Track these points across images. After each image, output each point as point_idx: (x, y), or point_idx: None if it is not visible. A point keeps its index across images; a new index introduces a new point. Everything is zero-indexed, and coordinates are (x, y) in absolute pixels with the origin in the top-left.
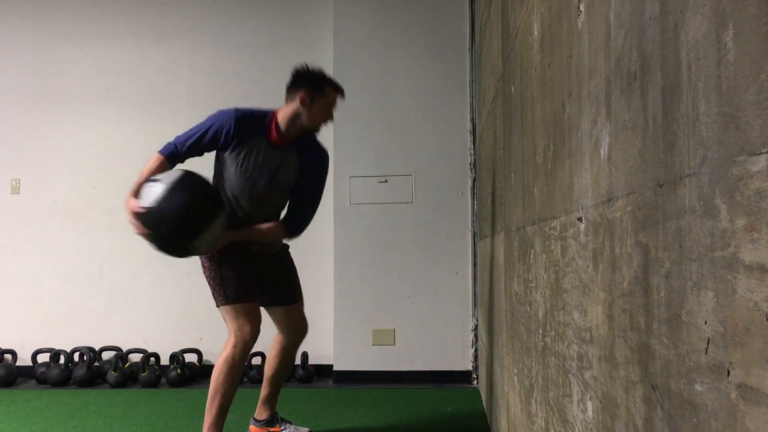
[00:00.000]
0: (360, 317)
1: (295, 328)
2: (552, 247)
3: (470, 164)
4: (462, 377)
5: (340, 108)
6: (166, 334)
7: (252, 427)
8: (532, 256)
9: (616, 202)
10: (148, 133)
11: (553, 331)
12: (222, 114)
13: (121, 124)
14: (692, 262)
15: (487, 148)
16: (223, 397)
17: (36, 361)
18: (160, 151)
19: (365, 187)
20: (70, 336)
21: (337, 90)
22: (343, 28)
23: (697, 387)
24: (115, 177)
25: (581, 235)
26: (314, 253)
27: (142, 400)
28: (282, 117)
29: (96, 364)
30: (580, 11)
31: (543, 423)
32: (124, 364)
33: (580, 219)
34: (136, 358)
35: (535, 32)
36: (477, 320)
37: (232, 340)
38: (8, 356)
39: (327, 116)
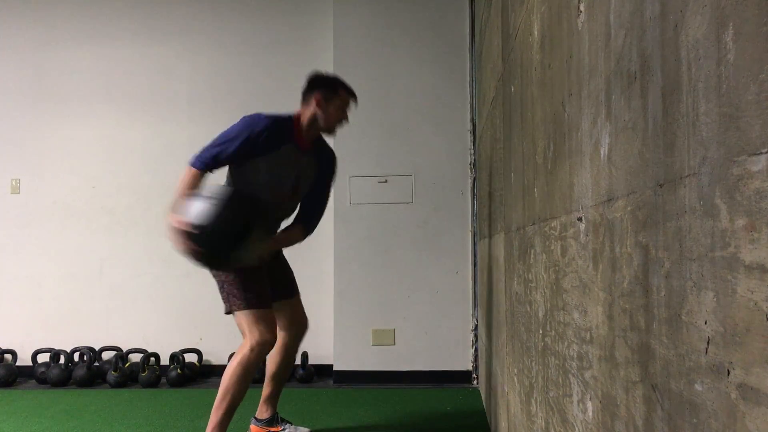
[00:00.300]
0: (360, 317)
1: (297, 323)
2: (552, 247)
3: (470, 164)
4: (462, 377)
5: None
6: (166, 334)
7: (253, 426)
8: (532, 256)
9: (616, 202)
10: (148, 133)
11: (553, 331)
12: (253, 121)
13: (121, 124)
14: (692, 262)
15: (487, 148)
16: (233, 399)
17: (36, 361)
18: (193, 165)
19: (365, 187)
20: (70, 336)
21: (350, 92)
22: (343, 28)
23: (697, 387)
24: (115, 177)
25: (581, 235)
26: (314, 253)
27: (142, 400)
28: (303, 121)
29: (96, 364)
30: (580, 11)
31: (543, 423)
32: (124, 364)
33: (580, 219)
34: (136, 358)
35: (535, 32)
36: (477, 320)
37: (249, 344)
38: (8, 356)
39: (342, 117)
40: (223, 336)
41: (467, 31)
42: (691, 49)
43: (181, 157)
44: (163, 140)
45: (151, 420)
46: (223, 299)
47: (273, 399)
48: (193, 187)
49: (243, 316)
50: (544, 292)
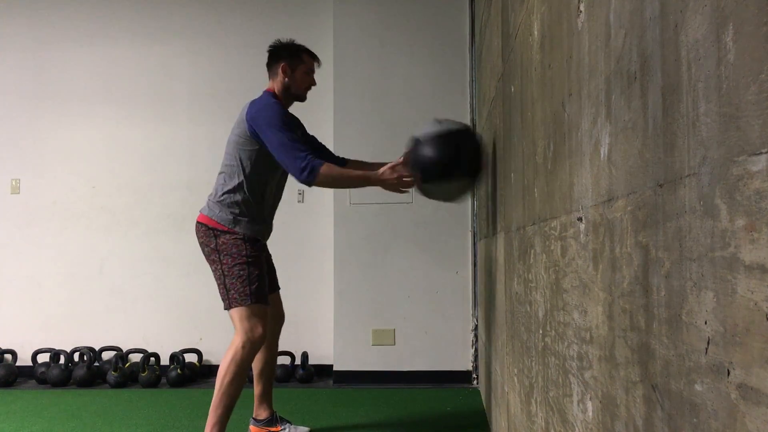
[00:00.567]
0: (360, 317)
1: (278, 315)
2: (552, 247)
3: None
4: (462, 377)
5: (340, 108)
6: (166, 334)
7: (252, 427)
8: (532, 256)
9: (616, 202)
10: (148, 133)
11: (553, 331)
12: (277, 104)
13: (121, 124)
14: (692, 262)
15: (487, 148)
16: (229, 397)
17: (36, 361)
18: (316, 169)
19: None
20: (70, 336)
21: (313, 56)
22: (343, 28)
23: (697, 387)
24: (115, 177)
25: (581, 235)
26: (314, 254)
27: (142, 400)
28: (278, 93)
29: (96, 364)
30: (580, 11)
31: (543, 423)
32: (124, 364)
33: (580, 219)
34: (136, 358)
35: (535, 32)
36: (477, 320)
37: (240, 340)
38: (8, 356)
39: (309, 82)
40: (223, 336)
41: (467, 31)
42: (691, 49)
43: (181, 157)
44: (163, 140)
45: (151, 420)
46: (222, 295)
47: (266, 397)
48: (342, 173)
49: (242, 311)
50: (544, 292)
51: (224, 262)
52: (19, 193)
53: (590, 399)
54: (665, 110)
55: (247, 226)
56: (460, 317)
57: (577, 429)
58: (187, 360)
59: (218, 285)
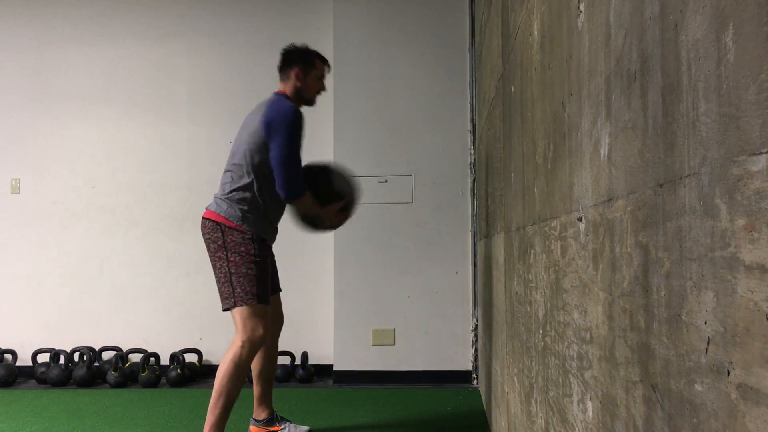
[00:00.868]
0: (360, 317)
1: (278, 317)
2: (552, 247)
3: (470, 164)
4: (462, 377)
5: (340, 108)
6: (166, 334)
7: (252, 427)
8: (532, 256)
9: (616, 202)
10: (148, 133)
11: (553, 331)
12: (296, 115)
13: (121, 124)
14: (692, 262)
15: (487, 148)
16: (228, 397)
17: (36, 361)
18: (300, 193)
19: (365, 187)
20: (70, 336)
21: (325, 61)
22: (343, 28)
23: (697, 387)
24: (115, 177)
25: (581, 235)
26: (314, 254)
27: (142, 400)
28: (290, 96)
29: (96, 364)
30: (580, 11)
31: (543, 423)
32: (124, 364)
33: (580, 219)
34: (136, 358)
35: (535, 32)
36: (477, 320)
37: (241, 340)
38: (8, 356)
39: (320, 87)
40: (223, 336)
41: (467, 31)
42: (691, 49)
43: (181, 157)
44: (163, 140)
45: (151, 420)
46: (224, 294)
47: (266, 397)
48: (311, 203)
49: (245, 310)
50: (544, 292)
51: (231, 259)
52: (19, 193)
53: (590, 399)
54: (665, 110)
55: (254, 224)
56: (460, 317)
57: (577, 429)
58: (187, 360)
59: (222, 282)
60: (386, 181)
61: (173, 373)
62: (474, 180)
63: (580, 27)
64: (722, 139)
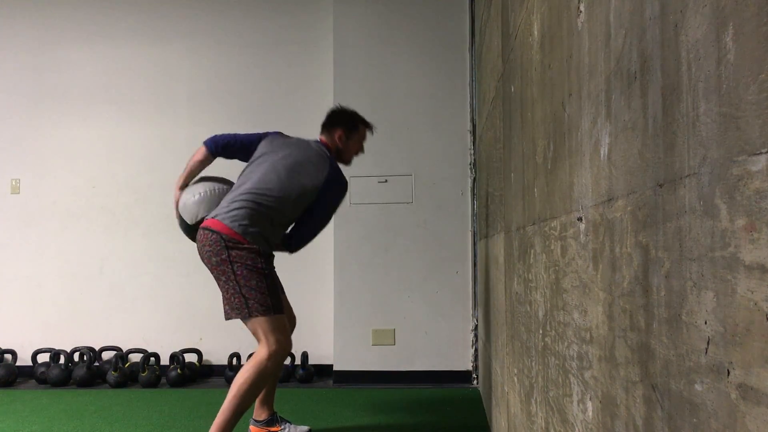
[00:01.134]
0: (360, 317)
1: (290, 318)
2: (552, 247)
3: (470, 164)
4: (462, 377)
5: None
6: (166, 334)
7: (252, 427)
8: (532, 256)
9: (616, 202)
10: (148, 133)
11: (553, 331)
12: (345, 187)
13: (121, 124)
14: (692, 262)
15: (487, 148)
16: (244, 403)
17: (36, 361)
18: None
19: (365, 187)
20: (70, 336)
21: (368, 125)
22: (343, 29)
23: (697, 387)
24: (115, 177)
25: (581, 235)
26: (314, 253)
27: (142, 400)
28: (331, 150)
29: (96, 364)
30: (580, 11)
31: (543, 423)
32: (124, 364)
33: (580, 219)
34: (136, 358)
35: (535, 32)
36: (477, 320)
37: (267, 351)
38: (8, 356)
39: (359, 149)
40: (223, 336)
41: (467, 31)
42: (691, 49)
43: (181, 157)
44: (163, 140)
45: (151, 420)
46: (234, 305)
47: (269, 399)
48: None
49: (264, 323)
50: (544, 292)
51: (238, 273)
52: (19, 193)
53: (590, 399)
54: (665, 110)
55: (261, 242)
56: (460, 317)
57: (577, 429)
58: (187, 360)
59: (230, 295)
60: (386, 181)
61: (173, 373)
62: (474, 180)
63: (580, 27)
64: (722, 139)
